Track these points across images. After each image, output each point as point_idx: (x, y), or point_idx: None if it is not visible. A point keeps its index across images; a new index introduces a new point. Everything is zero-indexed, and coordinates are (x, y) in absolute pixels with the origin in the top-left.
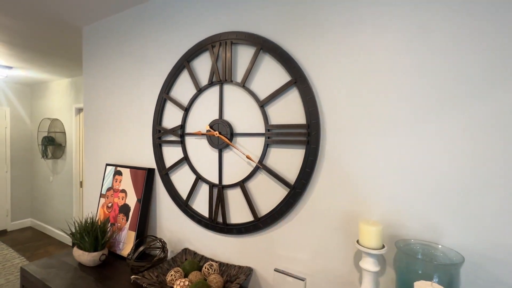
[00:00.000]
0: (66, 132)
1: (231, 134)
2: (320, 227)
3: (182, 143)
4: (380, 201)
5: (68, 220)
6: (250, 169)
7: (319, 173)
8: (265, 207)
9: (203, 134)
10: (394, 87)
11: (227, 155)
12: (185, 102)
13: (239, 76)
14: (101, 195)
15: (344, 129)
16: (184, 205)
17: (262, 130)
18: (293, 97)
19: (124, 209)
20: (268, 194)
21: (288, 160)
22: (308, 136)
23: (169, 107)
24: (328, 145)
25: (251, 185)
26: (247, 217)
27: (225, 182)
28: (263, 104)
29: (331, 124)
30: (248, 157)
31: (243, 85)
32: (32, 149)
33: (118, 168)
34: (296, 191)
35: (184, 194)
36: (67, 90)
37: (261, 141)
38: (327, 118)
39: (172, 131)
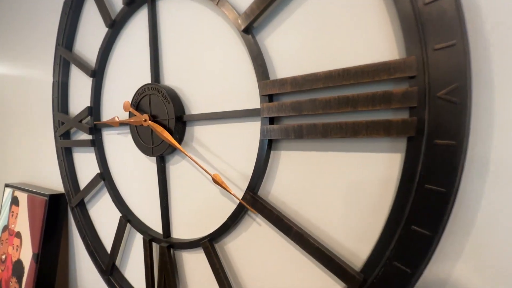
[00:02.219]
0: None
1: (179, 120)
2: None
3: (95, 143)
4: None
5: None
6: (230, 207)
7: (466, 238)
8: None
9: (121, 124)
10: None
11: (177, 170)
12: (93, 58)
13: None
14: None
15: None
16: (107, 271)
17: (255, 102)
18: None
19: (18, 269)
20: (282, 282)
21: (339, 189)
22: (419, 106)
23: (77, 76)
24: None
25: (234, 248)
26: None
27: (177, 233)
28: (248, 25)
29: None
30: (217, 182)
31: None
32: None
33: (16, 193)
34: None
35: (109, 246)
36: None
37: (252, 132)
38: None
39: (78, 121)
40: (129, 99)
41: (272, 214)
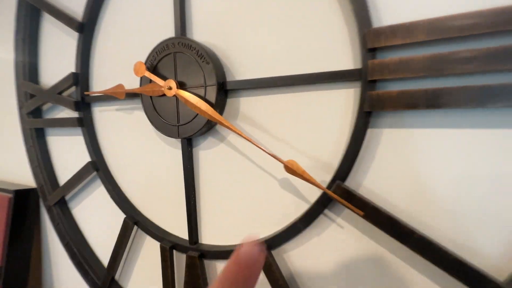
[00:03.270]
0: None
1: (222, 88)
2: None
3: (83, 123)
4: None
5: None
6: (295, 204)
7: None
8: None
9: (129, 95)
10: None
11: (210, 156)
12: (80, 6)
13: None
14: None
15: None
16: (105, 286)
17: (348, 62)
18: None
19: None
20: None
21: (486, 179)
22: None
23: (51, 31)
24: None
25: (298, 257)
26: None
27: (206, 239)
28: None
29: None
30: (293, 171)
31: None
32: None
33: None
34: None
35: (105, 258)
36: None
37: (335, 102)
38: None
39: (56, 93)
40: (136, 60)
41: (380, 214)
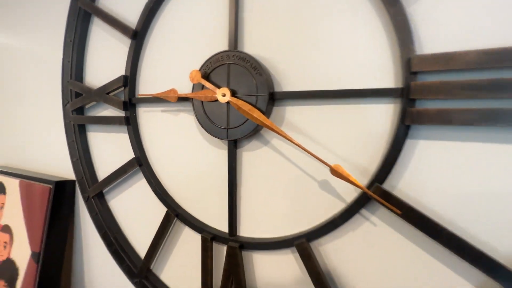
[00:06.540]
0: None
1: (272, 97)
2: None
3: (130, 122)
4: None
5: None
6: (337, 205)
7: None
8: None
9: (180, 98)
10: None
11: (254, 157)
12: (132, 16)
13: None
14: None
15: None
16: (142, 273)
17: (389, 81)
18: None
19: (8, 270)
20: None
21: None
22: None
23: (100, 35)
24: None
25: (333, 249)
26: None
27: (247, 231)
28: None
29: None
30: (339, 175)
31: None
32: None
33: (1, 178)
34: None
35: (141, 247)
36: None
37: (374, 116)
38: None
39: (103, 93)
40: (183, 67)
41: (414, 212)
